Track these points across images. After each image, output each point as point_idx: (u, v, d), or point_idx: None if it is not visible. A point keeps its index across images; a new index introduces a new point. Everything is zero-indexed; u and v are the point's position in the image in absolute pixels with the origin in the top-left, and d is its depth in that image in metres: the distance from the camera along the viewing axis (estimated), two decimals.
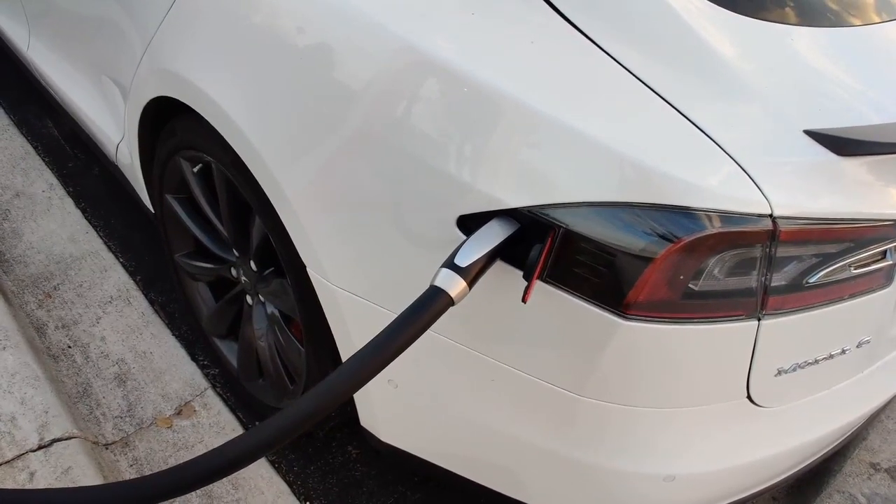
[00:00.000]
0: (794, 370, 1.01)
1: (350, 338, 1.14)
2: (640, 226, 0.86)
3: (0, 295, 1.59)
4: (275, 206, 1.14)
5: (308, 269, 1.14)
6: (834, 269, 0.93)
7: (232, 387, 1.61)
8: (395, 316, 0.86)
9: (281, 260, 1.23)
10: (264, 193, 1.15)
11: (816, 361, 1.03)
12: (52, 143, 2.21)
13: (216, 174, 1.32)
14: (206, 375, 1.62)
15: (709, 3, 0.97)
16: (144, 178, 1.59)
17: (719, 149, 0.86)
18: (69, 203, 1.98)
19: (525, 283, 0.88)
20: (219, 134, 1.18)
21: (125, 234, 1.95)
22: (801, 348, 1.01)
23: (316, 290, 1.14)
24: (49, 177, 2.05)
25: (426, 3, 1.01)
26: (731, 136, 0.87)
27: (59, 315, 1.67)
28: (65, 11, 1.73)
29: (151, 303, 1.76)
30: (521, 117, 0.90)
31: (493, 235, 0.89)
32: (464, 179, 0.93)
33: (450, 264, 0.85)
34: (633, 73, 0.91)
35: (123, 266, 1.83)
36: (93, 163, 2.12)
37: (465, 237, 0.92)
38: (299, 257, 1.14)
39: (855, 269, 0.96)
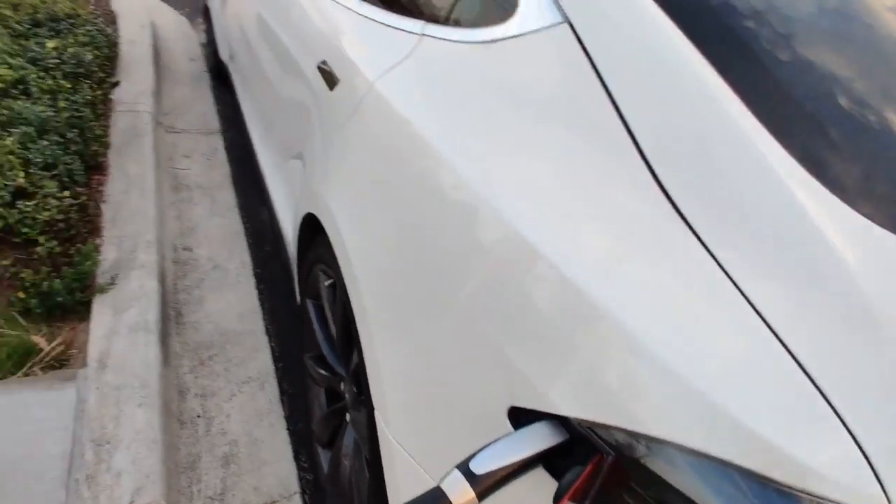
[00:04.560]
0: None
1: (399, 494, 1.06)
2: (725, 487, 0.68)
3: (162, 355, 1.79)
4: (360, 339, 1.13)
5: (375, 411, 1.10)
6: None
7: (319, 497, 1.60)
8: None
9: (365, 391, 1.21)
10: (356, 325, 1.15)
11: None
12: (260, 226, 2.51)
13: (338, 292, 1.37)
14: (301, 479, 1.63)
15: (851, 210, 0.78)
16: (298, 277, 1.72)
17: (836, 416, 0.66)
18: (251, 283, 2.21)
19: None
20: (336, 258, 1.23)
21: (285, 321, 2.11)
22: None
23: (378, 434, 1.10)
24: (245, 256, 2.33)
25: (540, 196, 0.95)
26: (852, 402, 0.66)
27: (202, 384, 1.83)
28: (270, 116, 2.00)
29: (282, 392, 1.85)
30: (607, 328, 0.78)
31: (530, 442, 0.77)
32: (524, 370, 0.83)
33: (464, 467, 0.74)
34: (749, 298, 0.75)
35: (272, 350, 1.97)
36: (282, 250, 2.36)
37: (512, 430, 0.81)
38: (371, 396, 1.11)
39: None
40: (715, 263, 0.78)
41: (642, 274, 0.81)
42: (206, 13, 3.67)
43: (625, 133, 0.91)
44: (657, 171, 0.87)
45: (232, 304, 2.11)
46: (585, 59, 1.00)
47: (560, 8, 1.07)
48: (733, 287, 0.76)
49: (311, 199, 1.42)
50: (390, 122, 1.20)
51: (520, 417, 0.83)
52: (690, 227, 0.82)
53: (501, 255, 0.92)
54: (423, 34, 1.32)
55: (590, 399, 0.78)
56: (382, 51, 1.38)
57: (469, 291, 0.95)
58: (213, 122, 3.19)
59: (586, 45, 1.01)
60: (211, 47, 3.57)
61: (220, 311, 2.08)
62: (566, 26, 1.05)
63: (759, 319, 0.73)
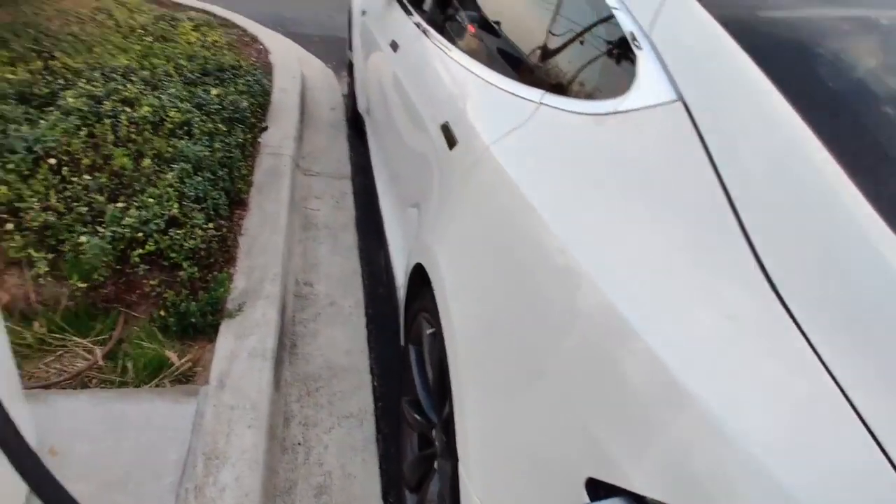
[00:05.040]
0: None
1: None
2: None
3: (274, 381, 1.92)
4: (452, 391, 1.17)
5: (460, 464, 1.13)
6: None
7: None
8: None
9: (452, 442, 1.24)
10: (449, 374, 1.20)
11: None
12: (376, 268, 2.64)
13: (437, 342, 1.42)
14: None
15: None
16: (404, 321, 1.79)
17: None
18: (362, 322, 2.32)
19: None
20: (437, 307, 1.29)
21: (389, 362, 2.19)
22: None
23: (460, 486, 1.12)
24: (359, 295, 2.45)
25: (641, 272, 0.95)
26: None
27: (306, 413, 1.94)
28: (395, 166, 2.12)
29: (378, 431, 1.91)
30: (698, 417, 0.76)
31: None
32: (607, 443, 0.83)
33: None
34: (856, 407, 0.70)
35: (373, 390, 2.05)
36: (393, 294, 2.46)
37: (588, 501, 0.81)
38: (456, 448, 1.14)
39: None
40: (821, 364, 0.75)
41: (740, 365, 0.79)
42: (349, 67, 3.98)
43: (733, 218, 0.90)
44: (764, 260, 0.85)
45: (342, 340, 2.23)
46: (697, 139, 1.01)
47: (675, 86, 1.09)
48: (839, 392, 0.72)
49: (422, 250, 1.49)
50: (501, 185, 1.26)
51: (598, 490, 0.83)
52: (796, 322, 0.79)
53: (597, 327, 0.93)
54: (542, 103, 1.37)
55: (671, 483, 0.76)
56: (501, 116, 1.45)
57: (562, 359, 0.97)
58: (346, 167, 3.43)
59: (699, 126, 1.02)
60: (351, 99, 3.85)
61: (330, 346, 2.20)
62: (680, 104, 1.07)
63: (865, 430, 0.69)
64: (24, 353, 1.83)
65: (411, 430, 1.70)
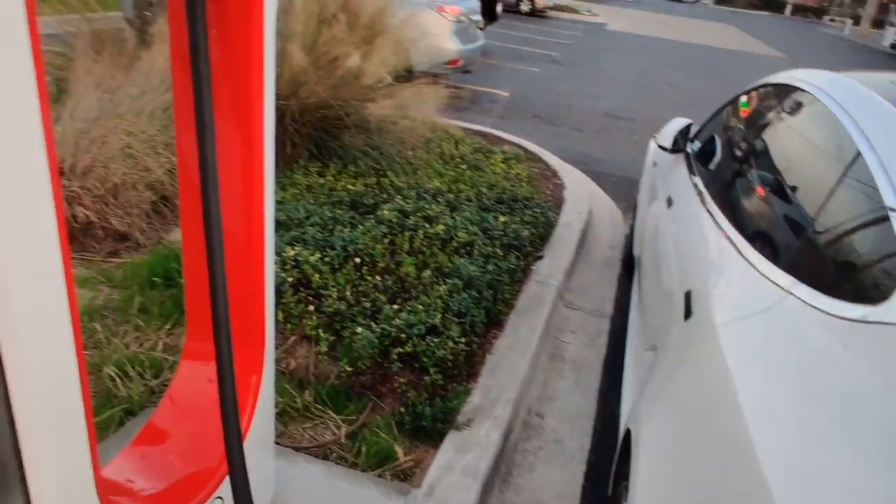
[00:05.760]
0: None
1: None
2: None
3: None
4: None
5: None
6: None
7: None
8: None
9: None
10: None
11: None
12: (611, 417, 2.57)
13: None
14: None
15: None
16: (612, 482, 1.73)
17: None
18: (581, 469, 2.26)
19: None
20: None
21: None
22: None
23: None
24: (586, 441, 2.40)
25: None
26: None
27: None
28: (644, 316, 2.08)
29: None
30: None
31: None
32: None
33: None
34: None
35: None
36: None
37: None
38: None
39: None
40: None
41: None
42: (634, 210, 4.06)
43: None
44: None
45: (557, 481, 2.20)
46: None
47: None
48: None
49: (634, 416, 1.46)
50: (716, 376, 1.19)
51: None
52: None
53: None
54: (790, 291, 1.28)
55: None
56: (742, 296, 1.38)
57: None
58: (608, 307, 3.45)
59: None
60: (629, 240, 3.91)
61: (543, 484, 2.18)
62: None
63: None
64: (291, 415, 2.19)
65: None
